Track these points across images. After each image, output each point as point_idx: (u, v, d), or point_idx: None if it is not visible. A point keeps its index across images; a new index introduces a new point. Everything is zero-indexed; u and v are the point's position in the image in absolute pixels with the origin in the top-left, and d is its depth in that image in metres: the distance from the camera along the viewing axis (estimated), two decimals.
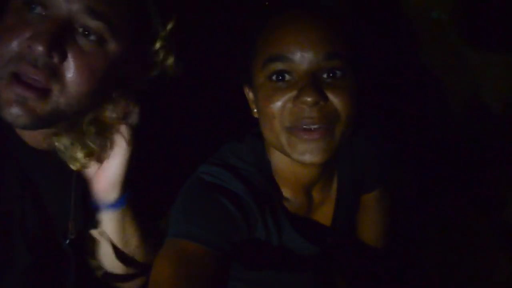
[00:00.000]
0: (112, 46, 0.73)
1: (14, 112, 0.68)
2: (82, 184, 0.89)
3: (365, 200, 1.03)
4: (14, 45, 0.68)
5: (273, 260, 0.91)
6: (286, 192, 0.91)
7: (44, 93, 0.69)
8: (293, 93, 0.77)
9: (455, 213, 1.39)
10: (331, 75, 0.77)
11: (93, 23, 0.70)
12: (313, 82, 0.75)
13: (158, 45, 0.81)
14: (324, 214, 0.96)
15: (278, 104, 0.78)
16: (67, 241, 0.86)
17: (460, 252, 1.36)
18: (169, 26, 0.81)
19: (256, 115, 0.88)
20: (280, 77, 0.78)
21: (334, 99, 0.77)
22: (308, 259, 0.94)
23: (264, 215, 0.86)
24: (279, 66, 0.77)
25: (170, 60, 0.83)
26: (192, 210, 0.80)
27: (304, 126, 0.77)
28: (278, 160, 0.89)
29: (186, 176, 0.90)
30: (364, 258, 1.08)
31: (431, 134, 1.39)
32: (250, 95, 0.89)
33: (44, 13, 0.69)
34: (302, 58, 0.76)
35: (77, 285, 0.88)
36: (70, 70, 0.70)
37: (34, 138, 0.80)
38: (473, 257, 1.37)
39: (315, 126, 0.76)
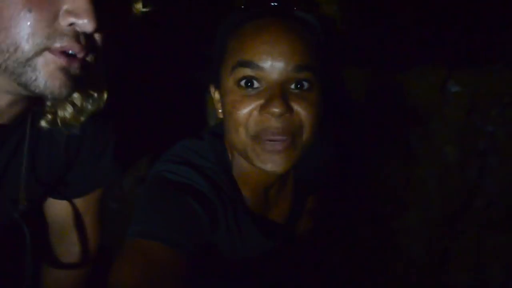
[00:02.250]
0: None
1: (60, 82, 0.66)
2: (34, 154, 0.86)
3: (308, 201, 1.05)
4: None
5: (231, 259, 0.90)
6: (245, 191, 0.90)
7: (82, 62, 0.68)
8: (261, 101, 0.76)
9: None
10: (298, 86, 0.77)
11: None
12: (281, 93, 0.74)
13: None
14: (280, 213, 0.96)
15: (245, 111, 0.77)
16: (19, 212, 0.83)
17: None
18: None
19: (221, 116, 0.86)
20: (249, 84, 0.77)
21: (300, 111, 0.76)
22: (263, 258, 0.94)
23: (226, 212, 0.85)
24: (248, 72, 0.76)
25: (139, 4, 0.80)
26: (155, 209, 0.77)
27: (270, 137, 0.76)
28: (238, 162, 0.88)
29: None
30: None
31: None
32: (216, 95, 0.87)
33: None
34: (272, 67, 0.75)
35: (35, 262, 0.88)
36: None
37: None
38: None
39: (279, 137, 0.76)
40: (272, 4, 0.82)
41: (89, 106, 0.82)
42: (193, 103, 1.24)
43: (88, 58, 0.68)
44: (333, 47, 1.04)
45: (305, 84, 0.77)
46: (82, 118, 0.82)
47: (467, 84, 1.47)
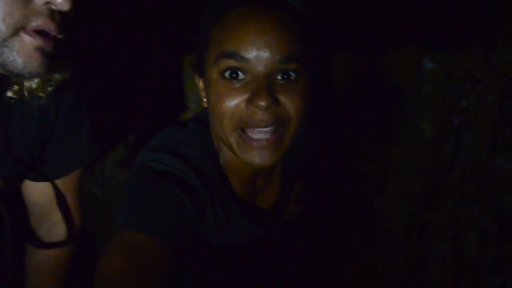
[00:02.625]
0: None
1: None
2: (6, 130, 0.85)
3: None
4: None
5: (221, 248, 0.90)
6: (233, 180, 0.89)
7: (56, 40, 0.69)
8: (247, 95, 0.74)
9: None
10: (285, 77, 0.75)
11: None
12: (267, 86, 0.73)
13: None
14: (268, 200, 0.96)
15: (230, 104, 0.75)
16: None
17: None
18: None
19: (205, 105, 0.84)
20: (234, 75, 0.74)
21: (287, 103, 0.75)
22: (252, 246, 0.94)
23: (214, 202, 0.84)
24: (233, 63, 0.73)
25: None
26: (142, 200, 0.76)
27: (256, 129, 0.75)
28: (224, 151, 0.87)
29: None
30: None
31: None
32: (200, 84, 0.85)
33: None
34: (258, 58, 0.72)
35: (17, 242, 0.88)
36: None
37: None
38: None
39: (266, 129, 0.75)
40: None
41: (56, 76, 0.81)
42: (172, 86, 1.24)
43: (60, 36, 0.69)
44: (323, 35, 1.02)
45: (292, 75, 0.75)
46: (49, 88, 0.82)
47: (441, 61, 1.50)
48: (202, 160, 0.85)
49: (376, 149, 1.49)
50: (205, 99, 0.83)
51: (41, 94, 0.81)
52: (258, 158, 0.76)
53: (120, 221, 0.74)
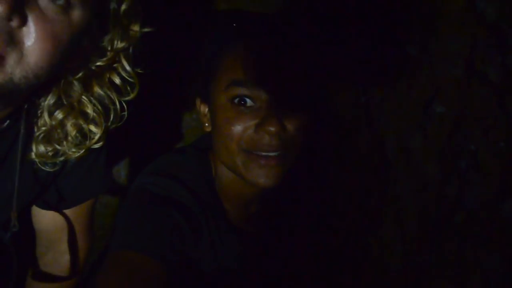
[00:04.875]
0: (77, 12, 0.64)
1: None
2: (27, 170, 0.81)
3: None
4: None
5: (214, 272, 0.90)
6: (228, 205, 0.92)
7: None
8: (256, 120, 0.78)
9: None
10: (290, 106, 0.79)
11: None
12: (277, 113, 0.77)
13: (124, 6, 0.71)
14: (261, 226, 0.98)
15: (239, 128, 0.78)
16: (9, 235, 0.79)
17: None
18: None
19: (207, 129, 0.88)
20: (242, 102, 0.78)
21: (291, 130, 0.80)
22: (245, 271, 0.95)
23: (209, 225, 0.86)
24: (243, 91, 0.78)
25: (136, 27, 0.75)
26: (139, 222, 0.78)
27: (263, 153, 0.79)
28: (223, 176, 0.89)
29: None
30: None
31: None
32: (202, 108, 0.89)
33: None
34: (267, 88, 0.77)
35: (18, 284, 0.86)
36: (31, 37, 0.59)
37: None
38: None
39: (273, 154, 0.79)
40: (263, 26, 0.84)
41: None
42: (169, 112, 1.27)
43: (10, 60, 0.60)
44: (321, 62, 1.07)
45: (298, 104, 0.80)
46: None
47: (452, 105, 1.50)
48: (199, 185, 0.87)
49: (373, 184, 1.50)
50: (206, 124, 0.88)
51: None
52: (264, 177, 0.80)
53: (117, 242, 0.76)
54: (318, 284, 1.35)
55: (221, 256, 0.89)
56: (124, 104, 0.80)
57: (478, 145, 1.54)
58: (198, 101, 0.91)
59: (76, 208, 0.98)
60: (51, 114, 0.75)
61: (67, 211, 0.97)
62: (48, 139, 0.76)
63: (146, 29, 0.76)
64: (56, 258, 1.01)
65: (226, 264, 0.90)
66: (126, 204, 0.85)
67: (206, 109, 0.88)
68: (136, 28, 0.75)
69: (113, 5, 0.71)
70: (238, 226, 0.93)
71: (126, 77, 0.78)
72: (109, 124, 0.80)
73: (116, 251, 0.74)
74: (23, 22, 0.58)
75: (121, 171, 1.27)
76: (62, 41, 0.62)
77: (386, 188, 1.48)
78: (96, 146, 0.80)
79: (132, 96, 0.80)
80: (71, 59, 0.69)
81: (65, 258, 1.01)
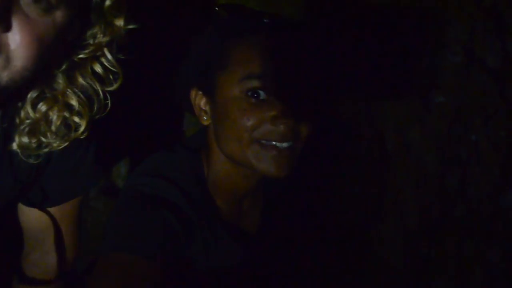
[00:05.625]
0: (60, 12, 0.65)
1: None
2: (9, 164, 0.81)
3: None
4: None
5: (208, 271, 0.91)
6: (220, 203, 0.92)
7: None
8: (273, 112, 0.80)
9: None
10: (301, 99, 0.82)
11: None
12: (292, 106, 0.80)
13: (108, 2, 0.72)
14: (253, 223, 0.98)
15: (254, 119, 0.80)
16: None
17: None
18: None
19: (205, 123, 0.89)
20: (256, 94, 0.81)
21: (303, 122, 0.83)
22: (239, 268, 0.96)
23: (202, 225, 0.87)
24: (259, 84, 0.80)
25: (120, 21, 0.75)
26: (131, 223, 0.79)
27: (277, 144, 0.81)
28: (217, 172, 0.90)
29: None
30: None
31: None
32: (198, 100, 0.89)
33: None
34: (282, 82, 0.80)
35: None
36: (16, 41, 0.61)
37: None
38: None
39: (286, 144, 0.81)
40: (272, 21, 0.85)
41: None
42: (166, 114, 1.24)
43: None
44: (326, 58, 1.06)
45: (310, 99, 0.84)
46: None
47: (452, 94, 1.45)
48: (190, 184, 0.87)
49: (372, 177, 1.46)
50: (205, 117, 0.88)
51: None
52: (276, 167, 0.81)
53: (110, 244, 0.76)
54: (316, 281, 1.31)
55: (215, 255, 0.89)
56: (107, 94, 0.80)
57: (478, 135, 1.50)
58: (193, 93, 0.90)
59: (62, 206, 0.96)
60: (34, 107, 0.74)
61: (53, 209, 0.96)
62: (32, 131, 0.75)
63: (131, 26, 0.76)
64: (42, 257, 1.00)
65: (219, 263, 0.90)
66: (118, 206, 0.85)
67: (204, 101, 0.88)
68: (120, 22, 0.75)
69: (96, 0, 0.73)
70: (231, 224, 0.93)
71: (109, 67, 0.78)
72: (93, 115, 0.79)
73: (109, 253, 0.74)
74: (8, 27, 0.60)
75: (121, 169, 1.27)
76: (47, 42, 0.64)
77: (386, 181, 1.44)
78: (81, 137, 0.79)
79: (115, 86, 0.79)
80: (56, 55, 0.70)
81: (51, 257, 1.00)
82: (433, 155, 1.48)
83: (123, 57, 0.78)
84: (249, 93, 0.81)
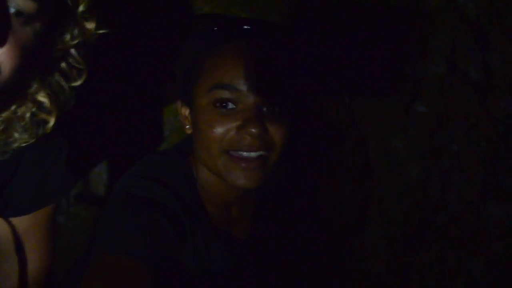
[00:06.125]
0: (39, 22, 0.68)
1: None
2: None
3: None
4: None
5: (198, 274, 0.90)
6: (210, 207, 0.92)
7: None
8: (238, 122, 0.79)
9: None
10: (271, 108, 0.81)
11: (25, 4, 0.65)
12: (258, 115, 0.79)
13: (82, 8, 0.75)
14: (243, 229, 0.98)
15: (220, 130, 0.80)
16: None
17: None
18: None
19: (188, 132, 0.89)
20: (224, 104, 0.80)
21: (273, 131, 0.81)
22: (228, 274, 0.95)
23: (193, 228, 0.86)
24: (226, 94, 0.80)
25: (91, 25, 0.77)
26: (124, 225, 0.77)
27: (244, 153, 0.80)
28: (204, 178, 0.90)
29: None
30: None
31: None
32: (183, 111, 0.90)
33: None
34: (249, 91, 0.79)
35: None
36: (1, 54, 0.64)
37: None
38: None
39: (254, 155, 0.80)
40: (245, 27, 0.84)
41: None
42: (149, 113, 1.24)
43: None
44: (303, 66, 1.06)
45: (277, 108, 0.82)
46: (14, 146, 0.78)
47: (434, 104, 1.47)
48: (182, 187, 0.87)
49: (356, 186, 1.46)
50: (187, 126, 0.89)
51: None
52: (245, 179, 0.81)
53: (101, 246, 0.75)
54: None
55: (205, 260, 0.89)
56: (72, 90, 0.82)
57: (460, 144, 1.52)
58: (179, 104, 0.91)
59: (35, 214, 0.94)
60: None
61: (25, 217, 0.94)
62: (1, 128, 0.76)
63: (102, 31, 0.79)
64: (13, 268, 0.97)
65: (210, 268, 0.90)
66: (109, 207, 0.84)
67: (187, 112, 0.89)
68: (91, 26, 0.77)
69: (70, 6, 0.74)
70: (222, 229, 0.93)
71: (75, 64, 0.80)
72: (59, 109, 0.81)
73: (100, 255, 0.74)
74: (4, 43, 0.63)
75: (103, 175, 1.26)
76: (30, 51, 0.67)
77: (369, 190, 1.45)
78: (48, 132, 0.80)
79: (80, 81, 0.82)
80: (37, 63, 0.73)
81: (25, 267, 0.97)
82: (415, 164, 1.50)
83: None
84: (217, 104, 0.80)
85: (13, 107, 0.75)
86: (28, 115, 0.77)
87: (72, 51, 0.78)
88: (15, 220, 0.94)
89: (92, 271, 0.72)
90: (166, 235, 0.79)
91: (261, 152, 0.81)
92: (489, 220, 1.58)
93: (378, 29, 1.34)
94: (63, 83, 0.79)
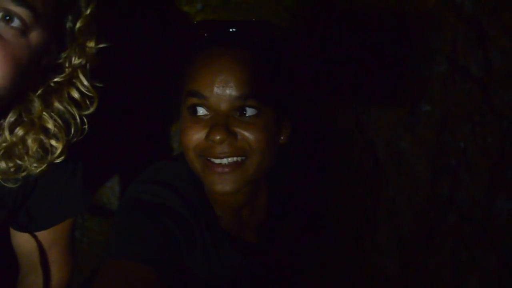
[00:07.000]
0: (35, 34, 0.68)
1: None
2: None
3: None
4: None
5: (208, 279, 0.91)
6: (218, 211, 0.93)
7: None
8: (207, 129, 0.81)
9: None
10: (244, 112, 0.81)
11: (16, 9, 0.63)
12: (222, 122, 0.79)
13: (79, 24, 0.75)
14: (253, 232, 0.98)
15: (193, 136, 0.82)
16: None
17: None
18: (92, 5, 0.76)
19: None
20: (194, 111, 0.82)
21: (246, 136, 0.81)
22: (239, 277, 0.95)
23: (203, 232, 0.87)
24: (195, 101, 0.82)
25: (91, 43, 0.78)
26: (132, 230, 0.79)
27: (216, 160, 0.81)
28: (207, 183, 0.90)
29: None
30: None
31: None
32: (181, 118, 0.91)
33: None
34: (217, 97, 0.80)
35: None
36: None
37: None
38: None
39: (227, 160, 0.81)
40: (230, 30, 0.85)
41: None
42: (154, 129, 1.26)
43: None
44: (290, 69, 1.04)
45: (250, 111, 0.82)
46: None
47: (438, 103, 1.47)
48: (191, 192, 0.88)
49: (366, 188, 1.46)
50: None
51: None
52: (220, 184, 0.81)
53: (111, 251, 0.77)
54: None
55: (215, 264, 0.89)
56: (84, 118, 0.82)
57: (466, 142, 1.52)
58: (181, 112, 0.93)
59: (54, 228, 0.97)
60: (12, 131, 0.76)
61: (44, 232, 0.96)
62: (9, 154, 0.76)
63: (101, 45, 0.80)
64: (36, 281, 0.99)
65: (220, 272, 0.90)
66: (119, 214, 0.85)
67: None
68: (91, 44, 0.78)
69: (69, 24, 0.75)
70: (232, 233, 0.94)
71: (85, 91, 0.80)
72: (70, 138, 0.81)
73: (110, 259, 0.75)
74: None
75: (115, 188, 1.28)
76: (22, 63, 0.66)
77: (380, 191, 1.45)
78: (58, 160, 0.80)
79: (91, 110, 0.82)
80: (31, 77, 0.72)
81: (48, 280, 0.99)
82: (423, 164, 1.50)
83: (100, 85, 0.80)
84: (190, 110, 0.83)
85: (20, 133, 0.75)
86: (34, 141, 0.77)
87: (81, 76, 0.78)
88: (38, 234, 0.96)
89: (101, 275, 0.73)
90: (174, 240, 0.80)
91: (234, 158, 0.81)
92: (500, 216, 1.58)
93: (378, 31, 1.36)
94: (74, 111, 0.80)
